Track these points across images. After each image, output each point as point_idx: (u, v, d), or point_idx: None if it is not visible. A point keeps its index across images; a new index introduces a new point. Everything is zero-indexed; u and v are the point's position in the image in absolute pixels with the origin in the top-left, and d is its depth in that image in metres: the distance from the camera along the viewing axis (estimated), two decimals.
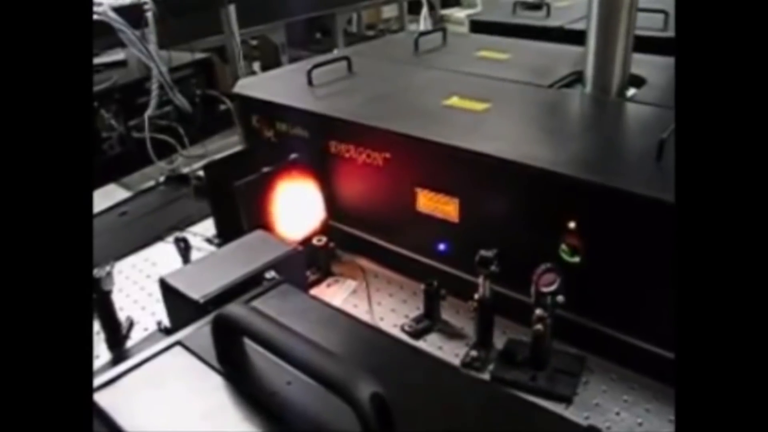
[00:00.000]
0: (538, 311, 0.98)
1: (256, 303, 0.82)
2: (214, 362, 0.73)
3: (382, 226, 1.34)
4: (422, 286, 1.17)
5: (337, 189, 1.38)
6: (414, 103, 1.38)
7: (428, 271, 1.24)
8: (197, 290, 0.94)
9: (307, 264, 1.27)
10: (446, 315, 1.20)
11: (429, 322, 1.18)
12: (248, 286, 0.92)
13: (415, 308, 1.23)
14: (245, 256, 1.03)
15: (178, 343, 0.77)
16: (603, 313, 1.05)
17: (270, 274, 0.96)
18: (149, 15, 1.60)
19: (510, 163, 1.07)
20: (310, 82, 1.50)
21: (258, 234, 1.13)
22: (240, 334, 0.70)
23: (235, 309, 0.71)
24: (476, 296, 1.06)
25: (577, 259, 1.02)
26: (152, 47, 1.62)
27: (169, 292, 0.99)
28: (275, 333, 0.66)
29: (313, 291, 1.30)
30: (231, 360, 0.73)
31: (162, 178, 1.87)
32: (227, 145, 1.88)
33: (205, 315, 0.81)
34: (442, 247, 1.22)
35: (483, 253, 1.02)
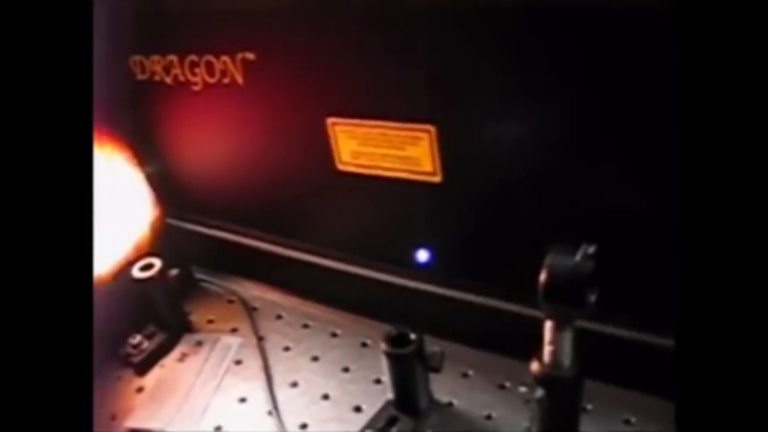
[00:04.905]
0: None
1: None
2: None
3: (274, 211, 0.65)
4: (381, 345, 0.50)
5: (170, 153, 0.68)
6: None
7: (392, 296, 0.58)
8: None
9: (132, 320, 0.60)
10: (445, 393, 0.54)
11: (408, 419, 0.51)
12: None
13: (371, 384, 0.55)
14: None
15: None
16: None
17: None
18: None
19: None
20: None
21: None
22: None
23: None
24: (535, 366, 0.40)
25: None
26: None
27: None
28: None
29: (151, 376, 0.61)
30: None
31: None
32: None
33: None
34: (422, 255, 0.55)
35: (552, 262, 0.35)
